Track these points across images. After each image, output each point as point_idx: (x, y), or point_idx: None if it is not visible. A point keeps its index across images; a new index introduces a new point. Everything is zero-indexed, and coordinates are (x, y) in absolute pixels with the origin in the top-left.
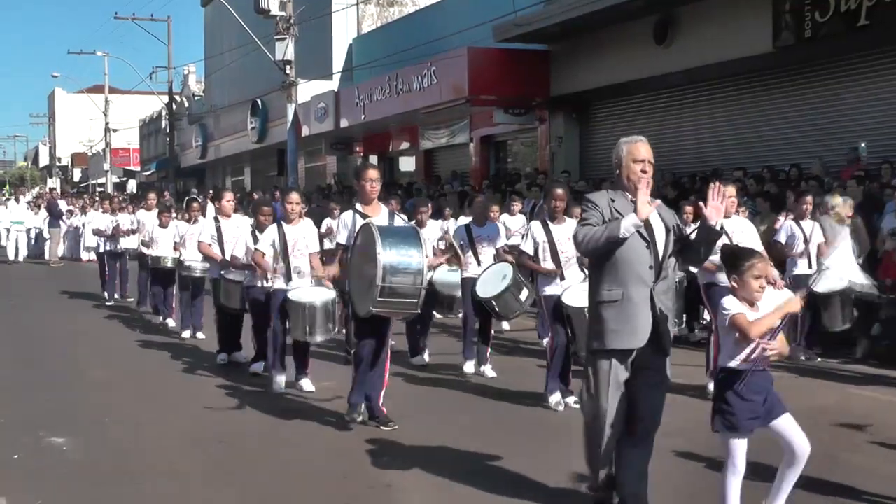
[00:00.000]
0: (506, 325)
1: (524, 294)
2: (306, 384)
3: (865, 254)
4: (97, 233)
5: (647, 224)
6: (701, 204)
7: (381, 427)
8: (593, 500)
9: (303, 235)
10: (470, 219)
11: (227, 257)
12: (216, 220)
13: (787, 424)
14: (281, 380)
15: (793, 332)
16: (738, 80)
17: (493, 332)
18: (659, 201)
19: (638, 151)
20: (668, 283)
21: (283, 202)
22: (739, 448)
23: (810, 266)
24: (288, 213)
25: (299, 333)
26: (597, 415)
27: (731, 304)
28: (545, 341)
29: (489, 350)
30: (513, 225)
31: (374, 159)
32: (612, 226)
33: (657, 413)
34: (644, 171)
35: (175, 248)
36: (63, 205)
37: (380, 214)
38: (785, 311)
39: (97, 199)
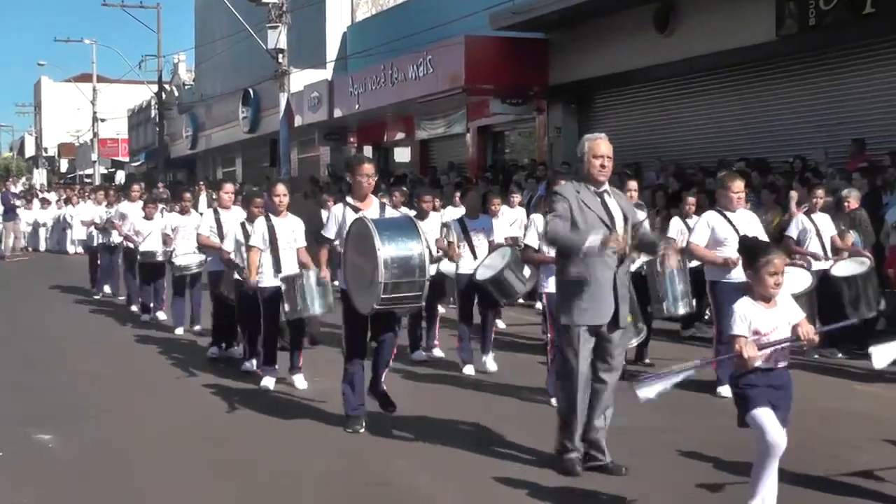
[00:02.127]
0: (501, 325)
1: (527, 272)
2: (299, 381)
3: (870, 247)
4: (88, 224)
5: (609, 213)
6: (665, 251)
7: (381, 410)
8: (564, 465)
9: (291, 229)
10: (461, 211)
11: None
12: (216, 211)
13: None
14: (269, 382)
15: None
16: (740, 69)
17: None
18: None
19: (598, 148)
20: (627, 267)
21: (269, 195)
22: (767, 418)
23: (827, 259)
24: (276, 206)
25: (298, 307)
26: (571, 379)
27: (739, 318)
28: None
29: (492, 336)
30: (512, 218)
31: (368, 150)
32: (578, 237)
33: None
34: (603, 166)
35: (164, 242)
36: (52, 196)
37: (371, 207)
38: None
39: (85, 190)
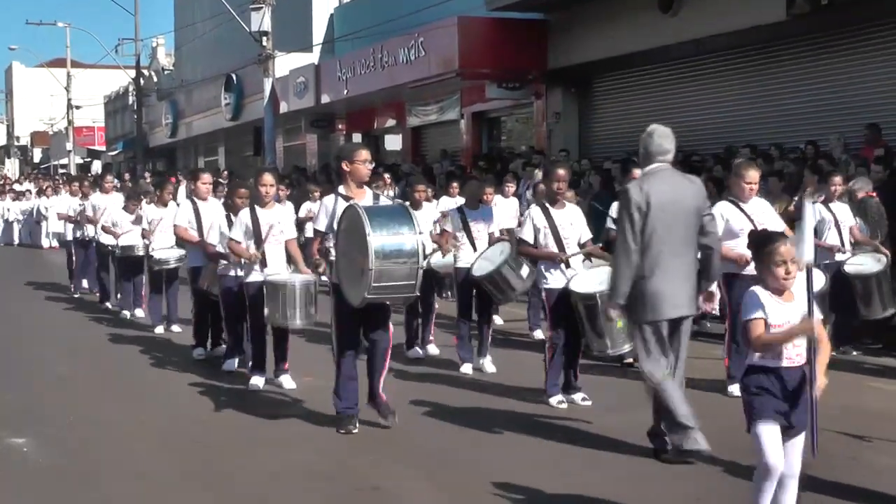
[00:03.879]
0: (498, 321)
1: (525, 270)
2: (286, 381)
3: (882, 236)
4: (63, 218)
5: None
6: None
7: (380, 420)
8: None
9: (278, 221)
10: (457, 201)
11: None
12: (193, 202)
13: (796, 442)
14: (259, 381)
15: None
16: (749, 50)
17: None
18: None
19: None
20: None
21: (256, 184)
22: (769, 437)
23: (843, 252)
24: (262, 197)
25: (278, 318)
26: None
27: (753, 303)
28: (536, 333)
29: (489, 338)
30: (505, 208)
31: (357, 137)
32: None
33: None
34: None
35: (143, 236)
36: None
37: (364, 197)
38: (797, 332)
39: (60, 181)
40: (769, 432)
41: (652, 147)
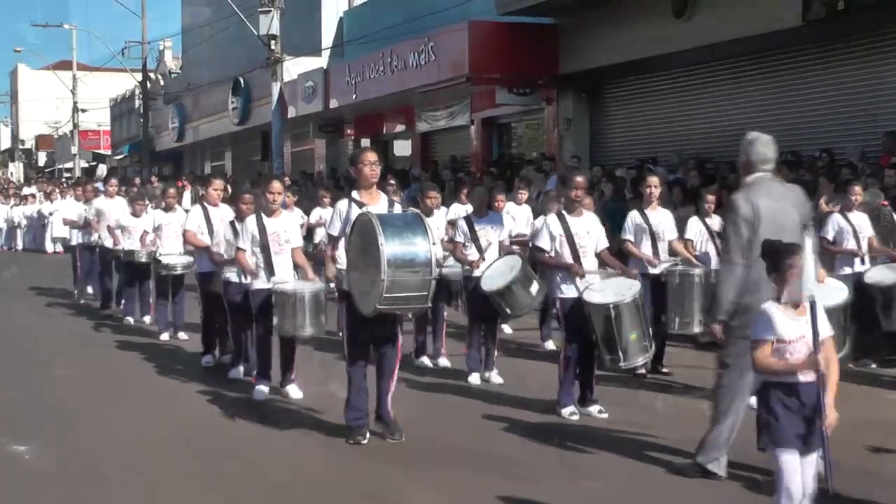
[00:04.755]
0: (507, 329)
1: (534, 287)
2: (293, 391)
3: (893, 246)
4: (69, 223)
5: None
6: None
7: (388, 438)
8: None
9: (284, 229)
10: (467, 208)
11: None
12: (203, 207)
13: (808, 461)
14: (264, 389)
15: (842, 336)
16: (764, 57)
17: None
18: None
19: None
20: None
21: (263, 192)
22: (790, 466)
23: (863, 262)
24: (269, 204)
25: (287, 328)
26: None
27: (763, 322)
28: (548, 344)
29: (496, 353)
30: (518, 215)
31: (366, 143)
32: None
33: None
34: None
35: (142, 240)
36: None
37: (378, 203)
38: (802, 368)
39: (65, 184)
40: (791, 461)
41: (754, 156)
